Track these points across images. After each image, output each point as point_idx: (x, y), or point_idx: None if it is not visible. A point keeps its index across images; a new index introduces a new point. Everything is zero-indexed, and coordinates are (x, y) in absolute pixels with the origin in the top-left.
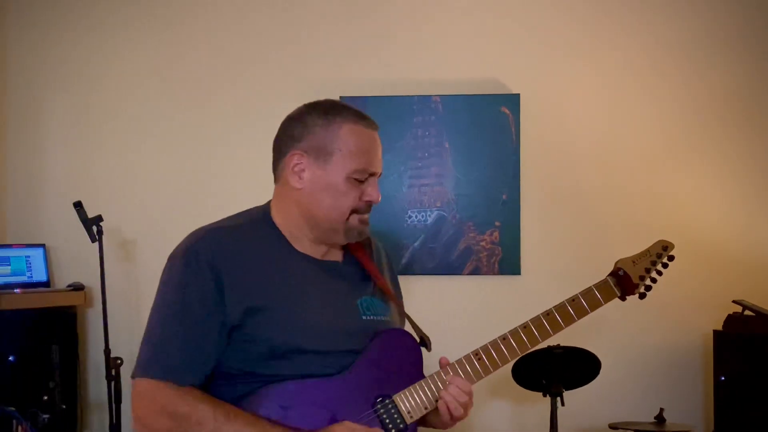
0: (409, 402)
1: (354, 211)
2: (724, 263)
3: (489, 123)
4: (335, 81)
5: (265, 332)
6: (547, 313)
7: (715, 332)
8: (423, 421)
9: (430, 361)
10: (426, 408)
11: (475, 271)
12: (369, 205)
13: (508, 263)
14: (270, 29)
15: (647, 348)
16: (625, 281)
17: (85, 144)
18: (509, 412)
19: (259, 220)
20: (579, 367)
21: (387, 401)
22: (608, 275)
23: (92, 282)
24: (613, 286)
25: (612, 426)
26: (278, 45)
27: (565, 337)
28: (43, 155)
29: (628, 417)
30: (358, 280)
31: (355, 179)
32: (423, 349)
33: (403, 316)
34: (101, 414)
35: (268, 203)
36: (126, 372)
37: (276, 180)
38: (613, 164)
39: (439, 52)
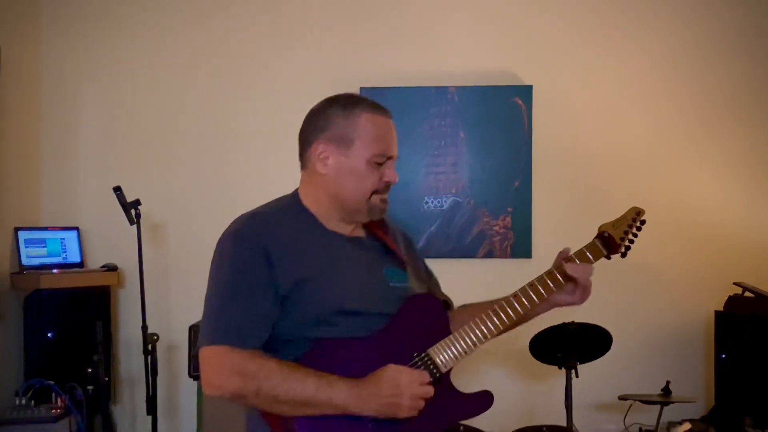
0: (443, 354)
1: (375, 192)
2: (725, 247)
3: (502, 113)
4: (355, 73)
5: (314, 298)
6: (549, 272)
7: (717, 312)
8: (554, 302)
9: None
10: (456, 358)
11: (489, 255)
12: (388, 185)
13: (520, 247)
14: (292, 24)
15: (655, 326)
16: (610, 242)
17: (117, 132)
18: (527, 383)
19: (291, 204)
20: (592, 342)
21: (423, 355)
22: (594, 237)
23: (123, 263)
24: (601, 247)
25: (621, 397)
26: (301, 39)
27: (579, 314)
28: (76, 143)
29: (636, 389)
30: (382, 253)
31: (375, 162)
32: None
33: (422, 281)
34: (133, 388)
35: (296, 191)
36: (161, 348)
37: (303, 168)
38: (622, 152)
39: (455, 46)
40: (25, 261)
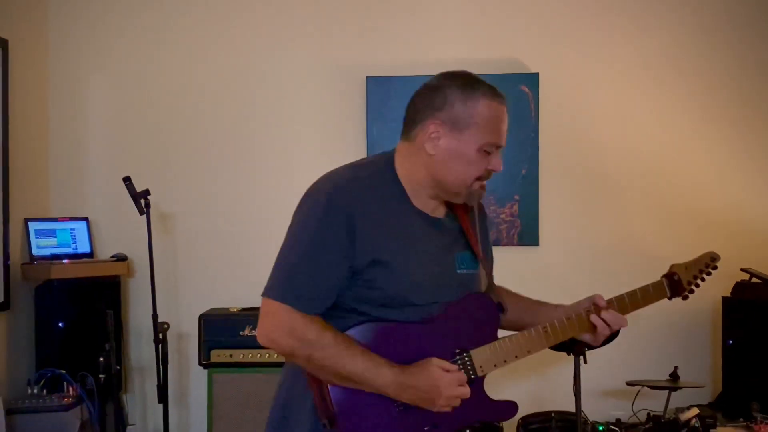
0: (484, 358)
1: (477, 178)
2: (732, 233)
3: (509, 101)
4: (362, 62)
5: (384, 283)
6: (608, 302)
7: (724, 299)
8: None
9: None
10: (495, 366)
11: (496, 243)
12: (491, 173)
13: (527, 235)
14: (299, 14)
15: (662, 312)
16: (676, 285)
17: (126, 123)
18: (536, 370)
19: (385, 172)
20: None
21: (465, 354)
22: (663, 276)
23: (132, 253)
24: (666, 287)
25: (630, 383)
26: (307, 29)
27: None
28: (85, 134)
29: (644, 375)
30: (456, 235)
31: (485, 151)
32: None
33: (488, 272)
34: (143, 377)
35: (392, 154)
36: (171, 336)
37: (406, 139)
38: (629, 140)
39: (461, 33)
40: (35, 251)
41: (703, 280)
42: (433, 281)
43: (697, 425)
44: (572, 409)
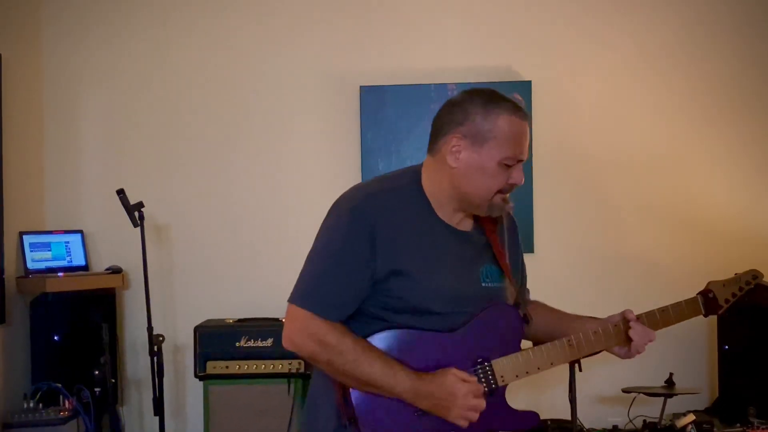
0: (506, 369)
1: (499, 191)
2: (727, 239)
3: None
4: (355, 72)
5: (404, 292)
6: (638, 317)
7: None
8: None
9: None
10: (517, 376)
11: None
12: (513, 186)
13: (522, 242)
14: (292, 25)
15: None
16: (712, 303)
17: (119, 135)
18: (531, 378)
19: (411, 184)
20: None
21: (486, 363)
22: (698, 293)
23: (127, 265)
24: (701, 305)
25: (625, 390)
26: (300, 39)
27: (582, 308)
28: (79, 146)
29: (640, 382)
30: (482, 248)
31: (506, 164)
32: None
33: (514, 286)
34: (139, 389)
35: (420, 168)
36: (166, 348)
37: (431, 153)
38: (622, 146)
39: (453, 42)
40: (30, 265)
41: (745, 297)
42: (456, 292)
43: (693, 431)
44: (568, 416)
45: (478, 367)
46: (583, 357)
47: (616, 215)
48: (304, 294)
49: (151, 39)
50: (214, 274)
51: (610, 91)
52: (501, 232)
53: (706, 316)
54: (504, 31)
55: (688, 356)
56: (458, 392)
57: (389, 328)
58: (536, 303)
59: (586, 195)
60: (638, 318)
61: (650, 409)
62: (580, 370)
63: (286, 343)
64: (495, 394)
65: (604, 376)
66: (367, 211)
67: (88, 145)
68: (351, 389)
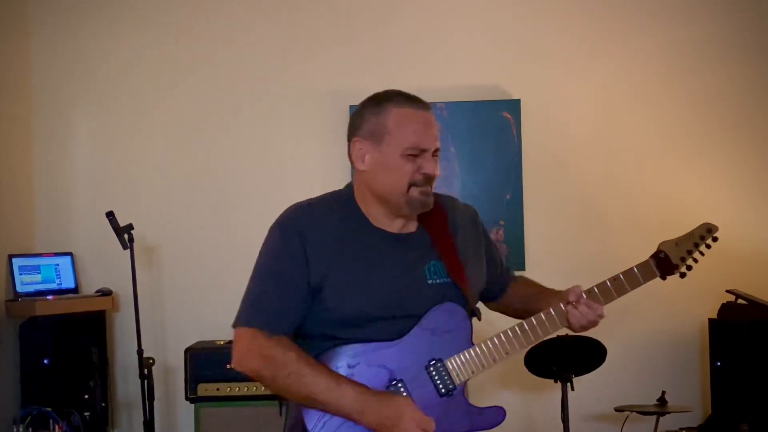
0: (458, 365)
1: (413, 185)
2: (717, 254)
3: (492, 127)
4: (345, 91)
5: (338, 302)
6: (589, 291)
7: (711, 320)
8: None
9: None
10: (473, 372)
11: None
12: (427, 177)
13: (514, 260)
14: (282, 45)
15: (649, 336)
16: (665, 263)
17: (109, 157)
18: (524, 397)
19: (343, 198)
20: (587, 354)
21: (438, 364)
22: (650, 257)
23: (117, 287)
24: (654, 267)
25: (618, 409)
26: (291, 59)
27: None
28: (68, 168)
29: (632, 400)
30: (428, 247)
31: (409, 155)
32: (474, 319)
33: (474, 275)
34: (130, 413)
35: (351, 185)
36: (157, 371)
37: (352, 165)
38: (612, 163)
39: (443, 62)
40: (19, 288)
41: (701, 254)
42: (397, 295)
43: None
44: None
45: (431, 368)
46: (539, 341)
47: (607, 232)
48: (246, 315)
49: (141, 61)
50: (204, 296)
51: (599, 108)
52: (453, 226)
53: (663, 278)
54: (492, 50)
55: (680, 373)
56: (405, 416)
57: (336, 346)
58: (519, 280)
59: (577, 212)
60: (589, 291)
61: (643, 428)
62: (572, 389)
63: (235, 365)
64: (454, 395)
65: (596, 395)
66: (294, 222)
67: (78, 167)
68: (305, 410)
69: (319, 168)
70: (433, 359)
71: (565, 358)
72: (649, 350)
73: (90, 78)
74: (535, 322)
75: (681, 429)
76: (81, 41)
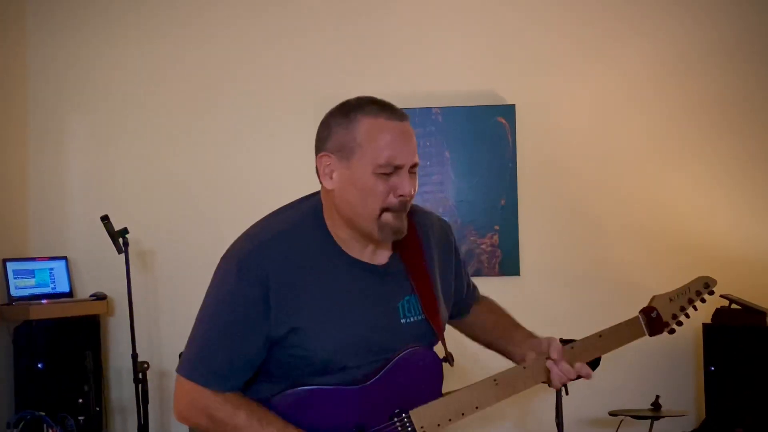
0: (425, 417)
1: (386, 209)
2: (711, 259)
3: (486, 132)
4: (338, 96)
5: (304, 351)
6: (571, 347)
7: (705, 325)
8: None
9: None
10: (439, 425)
11: (477, 273)
12: (402, 201)
13: (508, 264)
14: (275, 48)
15: (643, 340)
16: (656, 322)
17: (104, 161)
18: (518, 402)
19: (310, 221)
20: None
21: (404, 415)
22: (640, 311)
23: (112, 292)
24: (644, 326)
25: (612, 413)
26: (284, 64)
27: (566, 332)
28: (64, 172)
29: (626, 405)
30: (402, 280)
31: (382, 173)
32: (445, 364)
33: (439, 313)
34: (124, 417)
35: (320, 199)
36: (152, 375)
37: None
38: (606, 168)
39: (438, 67)
40: (14, 292)
41: (695, 308)
42: (369, 341)
43: None
44: None
45: (396, 419)
46: (513, 394)
47: (602, 237)
48: (192, 364)
49: (135, 66)
50: (198, 300)
51: (594, 114)
52: (429, 249)
53: (651, 335)
54: (487, 55)
55: (674, 378)
56: None
57: (295, 386)
58: (483, 303)
59: (572, 217)
60: (572, 346)
61: None
62: (567, 393)
63: (177, 417)
64: None
65: (590, 399)
66: (256, 264)
67: (73, 171)
68: None
69: (313, 173)
70: (399, 409)
71: None
72: (643, 355)
73: (85, 82)
74: (511, 376)
75: None
76: (78, 45)
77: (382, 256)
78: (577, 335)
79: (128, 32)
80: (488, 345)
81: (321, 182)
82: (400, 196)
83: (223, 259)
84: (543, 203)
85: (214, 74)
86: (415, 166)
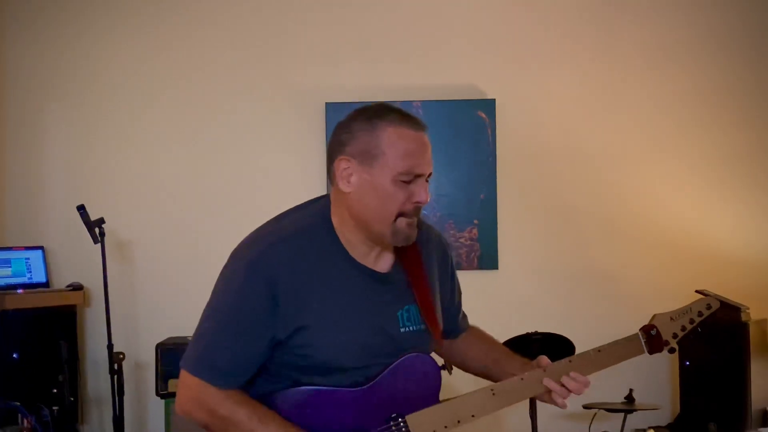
0: (421, 423)
1: (401, 214)
2: (687, 255)
3: (467, 127)
4: (320, 88)
5: (308, 350)
6: (570, 360)
7: None
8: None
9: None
10: (434, 431)
11: (456, 267)
12: (417, 207)
13: (487, 259)
14: (257, 42)
15: (617, 334)
16: (655, 340)
17: (81, 149)
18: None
19: (320, 223)
20: (555, 351)
21: (400, 420)
22: (641, 329)
23: (89, 282)
24: (642, 344)
25: (586, 406)
26: (265, 56)
27: (542, 324)
28: (41, 161)
29: (600, 398)
30: (403, 288)
31: (402, 181)
32: (443, 372)
33: (438, 324)
34: (100, 408)
35: (328, 203)
36: (127, 367)
37: (331, 182)
38: (585, 163)
39: (419, 60)
40: None
41: (698, 329)
42: (369, 345)
43: None
44: None
45: (392, 423)
46: (508, 405)
47: (580, 232)
48: (197, 360)
49: (114, 56)
50: (176, 291)
51: (574, 109)
52: (428, 261)
53: (651, 353)
54: (468, 49)
55: (649, 372)
56: None
57: (296, 385)
58: (471, 333)
59: (550, 212)
60: (570, 360)
61: (612, 425)
62: None
63: (179, 411)
64: None
65: None
66: (266, 265)
67: (50, 161)
68: None
69: (294, 165)
70: (396, 413)
71: (534, 355)
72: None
73: (63, 72)
74: (508, 387)
75: (649, 427)
76: (56, 34)
77: (384, 264)
78: (555, 329)
79: (110, 22)
80: (482, 371)
81: (335, 184)
82: (416, 202)
83: (231, 257)
84: (522, 198)
85: (193, 66)
86: (430, 175)
